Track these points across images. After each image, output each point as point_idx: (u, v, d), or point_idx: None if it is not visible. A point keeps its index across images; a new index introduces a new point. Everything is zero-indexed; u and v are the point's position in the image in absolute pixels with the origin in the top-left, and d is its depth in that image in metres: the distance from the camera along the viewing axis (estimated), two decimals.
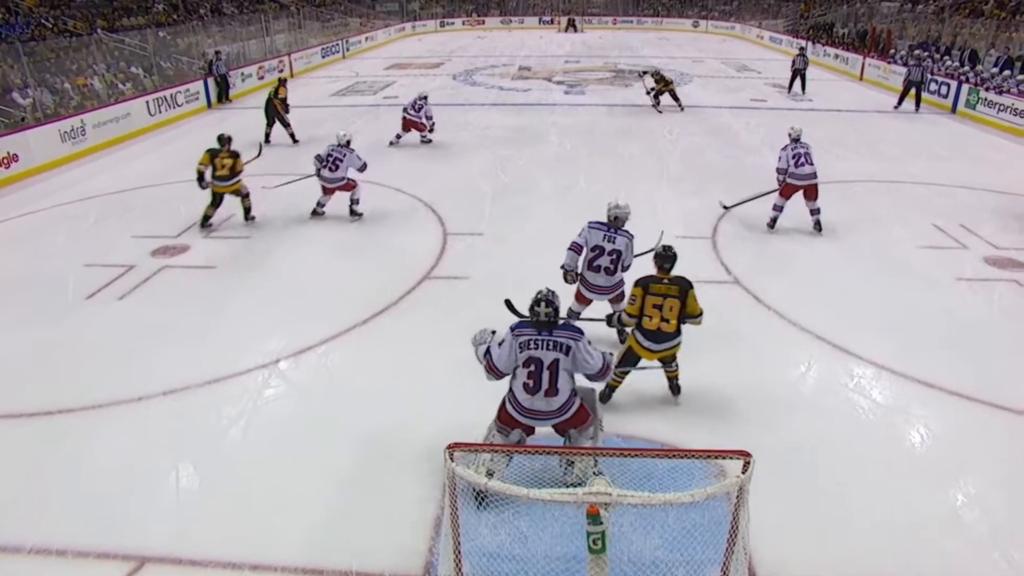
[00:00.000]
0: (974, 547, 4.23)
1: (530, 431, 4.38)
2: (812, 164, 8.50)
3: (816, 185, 8.60)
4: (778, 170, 8.76)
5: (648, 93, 17.55)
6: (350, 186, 9.27)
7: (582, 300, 6.19)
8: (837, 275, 7.91)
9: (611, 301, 6.09)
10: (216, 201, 9.02)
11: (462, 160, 12.68)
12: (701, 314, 5.09)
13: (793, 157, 8.51)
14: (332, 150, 9.03)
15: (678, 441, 4.93)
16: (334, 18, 33.49)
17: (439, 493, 4.35)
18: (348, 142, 9.11)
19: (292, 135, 13.92)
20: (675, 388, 5.50)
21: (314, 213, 9.41)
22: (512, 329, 4.21)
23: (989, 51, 18.88)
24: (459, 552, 3.64)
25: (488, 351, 4.28)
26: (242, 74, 19.71)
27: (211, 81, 17.84)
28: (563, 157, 12.86)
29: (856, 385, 5.83)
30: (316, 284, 7.65)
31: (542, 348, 4.10)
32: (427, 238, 8.83)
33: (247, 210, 9.29)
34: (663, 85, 17.01)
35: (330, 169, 8.95)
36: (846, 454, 5.01)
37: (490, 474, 4.19)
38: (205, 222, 9.04)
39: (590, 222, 5.99)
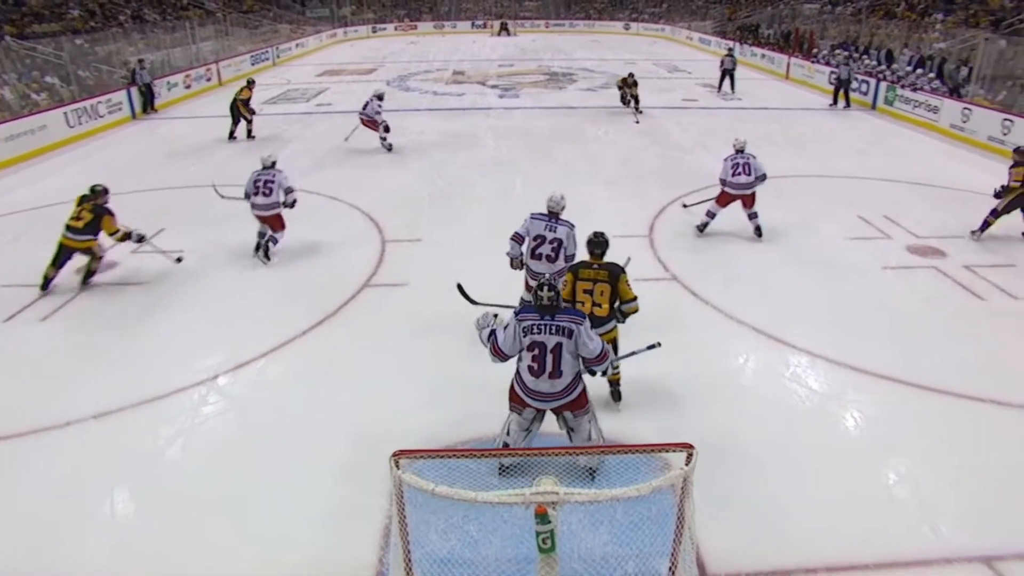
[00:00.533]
0: (906, 523, 4.42)
1: (540, 412, 4.48)
2: (749, 175, 8.55)
3: (753, 194, 8.70)
4: (720, 180, 8.84)
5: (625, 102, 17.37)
6: (279, 222, 8.35)
7: (530, 289, 6.34)
8: (771, 269, 8.15)
9: None
10: (59, 258, 7.43)
11: (398, 166, 12.59)
12: (635, 299, 5.18)
13: (732, 167, 8.62)
14: (259, 175, 8.17)
15: (623, 437, 4.99)
16: (263, 24, 32.81)
17: (387, 502, 4.31)
18: (274, 163, 8.35)
19: (249, 131, 14.48)
20: (616, 395, 5.57)
21: (258, 248, 8.38)
22: (516, 314, 4.32)
23: (903, 51, 19.78)
24: (409, 560, 3.61)
25: (492, 333, 4.39)
26: (168, 83, 19.10)
27: (135, 91, 17.23)
28: (499, 160, 12.90)
29: (792, 374, 6.02)
30: (252, 297, 7.47)
31: (545, 332, 4.23)
32: (365, 246, 8.73)
33: (88, 273, 7.68)
34: (627, 88, 16.94)
35: (264, 195, 8.12)
36: (785, 441, 5.17)
37: (506, 447, 4.44)
38: (45, 284, 7.46)
39: (532, 213, 6.18)
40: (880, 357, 6.19)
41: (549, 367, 4.24)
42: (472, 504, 3.03)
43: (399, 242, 8.88)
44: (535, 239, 6.08)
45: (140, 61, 17.79)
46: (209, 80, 21.73)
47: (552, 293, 4.22)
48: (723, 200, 8.84)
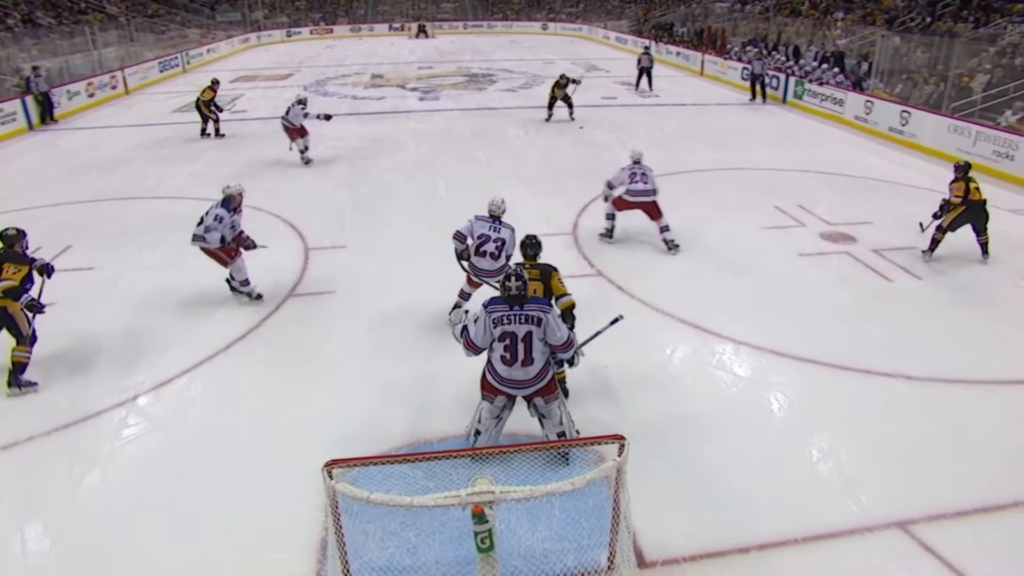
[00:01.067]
0: (828, 497, 4.62)
1: (511, 399, 4.58)
2: (648, 183, 8.50)
3: (655, 203, 8.57)
4: (607, 182, 8.74)
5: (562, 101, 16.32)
6: (221, 257, 7.15)
7: (472, 283, 6.60)
8: (693, 261, 8.38)
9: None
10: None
11: (319, 173, 12.34)
12: (569, 295, 5.28)
13: (630, 175, 8.53)
14: (206, 213, 7.02)
15: None
16: (170, 29, 31.64)
17: (323, 514, 4.22)
18: (229, 197, 7.07)
19: (217, 130, 15.04)
20: (563, 392, 5.62)
21: (231, 287, 7.40)
22: (485, 306, 4.40)
23: (809, 47, 20.67)
24: (348, 571, 3.55)
25: (465, 329, 4.48)
26: (68, 91, 18.13)
27: (30, 100, 16.31)
28: (422, 164, 12.82)
29: (718, 361, 6.20)
30: (171, 312, 7.18)
31: (515, 322, 4.33)
32: (288, 255, 8.52)
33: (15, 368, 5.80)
34: (557, 89, 16.12)
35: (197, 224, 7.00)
36: (714, 427, 5.32)
37: (478, 433, 4.63)
38: None
39: (476, 216, 6.39)
40: (799, 340, 6.44)
41: (521, 355, 4.35)
42: (409, 510, 3.00)
43: (323, 250, 8.71)
44: (479, 238, 6.30)
45: (35, 68, 16.81)
46: (114, 88, 20.78)
47: (520, 283, 4.33)
48: (619, 205, 8.70)
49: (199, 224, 6.97)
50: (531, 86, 22.03)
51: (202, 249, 7.07)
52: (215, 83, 15.01)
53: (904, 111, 14.29)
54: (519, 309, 4.33)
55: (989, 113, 13.60)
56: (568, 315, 5.23)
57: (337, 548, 3.48)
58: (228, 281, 7.37)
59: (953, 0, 18.69)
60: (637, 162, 8.75)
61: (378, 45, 37.27)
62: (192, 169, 12.60)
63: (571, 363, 4.85)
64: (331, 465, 3.26)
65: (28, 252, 6.11)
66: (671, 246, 8.59)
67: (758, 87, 18.68)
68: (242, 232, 7.28)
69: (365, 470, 3.98)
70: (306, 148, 12.72)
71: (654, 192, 8.54)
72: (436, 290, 7.34)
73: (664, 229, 8.64)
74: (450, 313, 4.68)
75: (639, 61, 20.91)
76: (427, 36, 41.65)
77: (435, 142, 14.41)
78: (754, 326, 6.68)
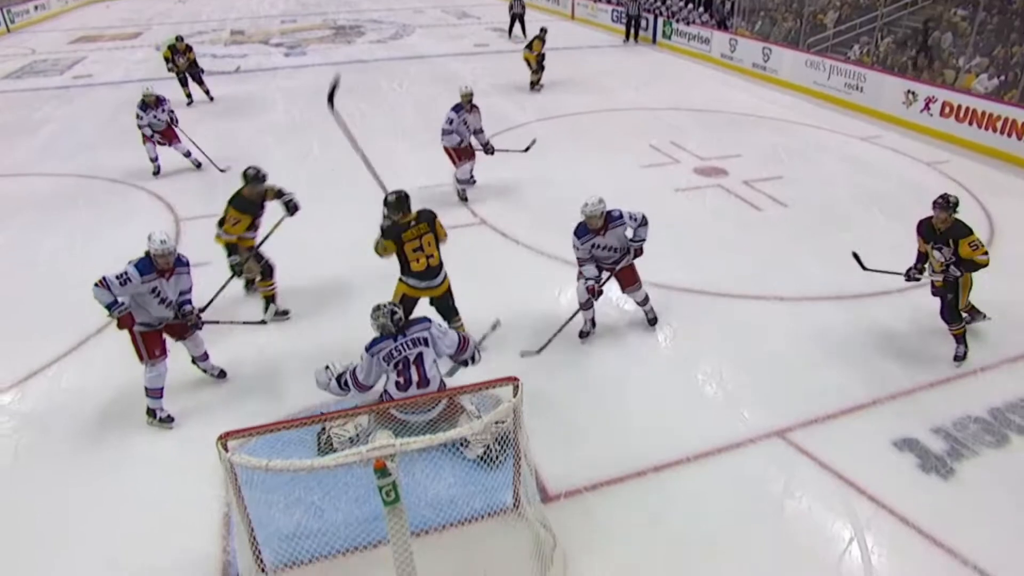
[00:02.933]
0: (716, 416, 4.96)
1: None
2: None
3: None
4: (444, 131, 8.34)
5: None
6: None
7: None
8: (573, 202, 8.43)
9: None
10: None
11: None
12: (446, 236, 5.35)
13: (460, 121, 8.28)
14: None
15: (452, 381, 5.07)
16: None
17: (221, 490, 4.10)
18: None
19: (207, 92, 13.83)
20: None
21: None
22: (367, 349, 4.20)
23: None
24: (255, 542, 3.49)
25: (348, 380, 4.28)
26: None
27: None
28: (293, 123, 12.29)
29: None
30: (31, 296, 6.65)
31: (405, 350, 4.21)
32: (159, 227, 8.00)
33: None
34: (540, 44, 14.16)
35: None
36: (603, 361, 5.54)
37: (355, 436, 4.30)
38: None
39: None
40: (679, 272, 6.75)
41: (415, 378, 4.24)
42: (310, 473, 2.96)
43: (196, 219, 8.25)
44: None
45: None
46: None
47: (398, 317, 4.20)
48: (462, 155, 8.45)
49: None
50: (401, 36, 21.41)
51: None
52: (179, 39, 13.21)
53: (766, 47, 14.95)
54: (403, 337, 4.23)
55: (840, 48, 14.44)
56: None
57: (241, 521, 3.40)
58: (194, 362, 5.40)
59: None
60: (469, 98, 8.35)
61: None
62: (31, 143, 11.51)
63: (473, 360, 4.64)
64: (225, 437, 3.16)
65: None
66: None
67: (631, 29, 19.01)
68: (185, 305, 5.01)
69: (262, 440, 3.91)
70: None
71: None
72: (317, 253, 7.16)
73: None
74: (316, 375, 4.37)
75: (511, 7, 20.71)
76: None
77: (306, 99, 13.80)
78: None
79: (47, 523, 4.17)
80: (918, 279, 5.49)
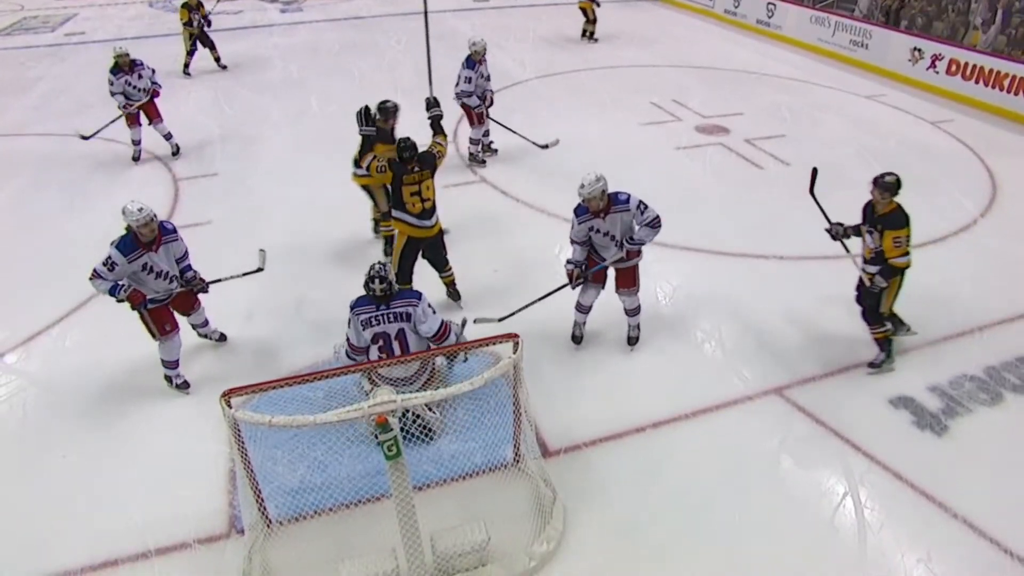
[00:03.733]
0: (715, 374, 5.00)
1: None
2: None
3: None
4: (464, 91, 8.29)
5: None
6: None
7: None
8: (574, 159, 8.42)
9: None
10: None
11: (179, 99, 11.38)
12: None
13: (474, 76, 8.22)
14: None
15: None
16: None
17: (227, 447, 4.16)
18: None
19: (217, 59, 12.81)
20: (454, 294, 5.75)
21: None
22: (351, 308, 4.15)
23: None
24: (260, 496, 3.56)
25: (347, 349, 4.30)
26: None
27: None
28: (290, 81, 12.11)
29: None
30: (30, 258, 6.65)
31: (384, 322, 4.13)
32: (156, 188, 7.99)
33: None
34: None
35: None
36: (602, 320, 5.54)
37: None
38: None
39: None
40: (679, 231, 6.71)
41: (397, 353, 4.16)
42: (313, 428, 3.00)
43: (193, 179, 8.21)
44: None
45: None
46: None
47: (384, 285, 4.06)
48: (481, 117, 8.34)
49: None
50: None
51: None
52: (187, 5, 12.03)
53: (770, 3, 14.67)
54: (385, 308, 4.10)
55: (846, 3, 14.18)
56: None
57: (245, 476, 3.46)
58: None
59: None
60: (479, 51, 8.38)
61: None
62: (26, 102, 11.38)
63: (463, 357, 4.46)
64: (228, 395, 3.19)
65: None
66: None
67: None
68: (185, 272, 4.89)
69: (265, 397, 3.96)
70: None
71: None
72: (319, 212, 7.15)
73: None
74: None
75: None
76: None
77: (303, 57, 13.60)
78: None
79: (57, 480, 4.25)
80: (837, 240, 4.91)
